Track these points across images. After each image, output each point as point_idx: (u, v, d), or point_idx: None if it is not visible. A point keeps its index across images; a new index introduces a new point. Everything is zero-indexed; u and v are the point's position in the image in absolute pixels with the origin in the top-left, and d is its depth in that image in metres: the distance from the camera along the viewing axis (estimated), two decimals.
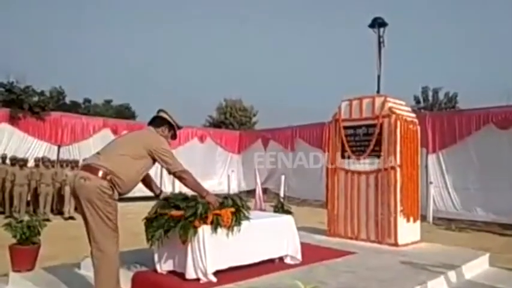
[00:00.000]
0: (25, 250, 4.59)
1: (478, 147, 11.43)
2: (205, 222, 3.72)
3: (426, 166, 12.13)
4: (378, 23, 7.10)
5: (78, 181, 3.34)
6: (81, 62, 52.48)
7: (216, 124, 28.31)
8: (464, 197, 11.73)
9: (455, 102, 24.98)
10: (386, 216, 5.98)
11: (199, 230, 3.67)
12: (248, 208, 4.17)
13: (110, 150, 3.53)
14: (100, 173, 3.32)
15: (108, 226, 3.33)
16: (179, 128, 3.89)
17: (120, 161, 3.42)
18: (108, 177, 3.34)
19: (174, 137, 3.88)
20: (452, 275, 4.59)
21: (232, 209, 3.92)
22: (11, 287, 4.40)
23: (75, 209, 11.81)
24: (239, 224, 3.94)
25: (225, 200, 3.98)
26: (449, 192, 12.15)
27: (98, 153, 3.56)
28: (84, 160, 12.27)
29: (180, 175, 3.60)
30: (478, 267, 5.25)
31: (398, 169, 5.97)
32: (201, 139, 18.49)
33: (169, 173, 3.57)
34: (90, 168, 3.37)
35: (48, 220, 9.48)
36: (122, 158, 3.44)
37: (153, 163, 3.63)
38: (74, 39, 52.89)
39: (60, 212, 11.60)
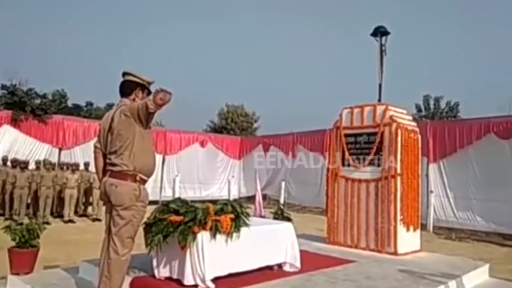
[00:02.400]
0: (24, 253, 4.58)
1: (479, 156, 11.40)
2: (204, 228, 3.72)
3: (427, 175, 12.11)
4: (380, 32, 7.12)
5: (108, 188, 3.37)
6: (83, 65, 52.71)
7: (218, 129, 28.35)
8: (464, 207, 11.68)
9: (457, 111, 24.94)
10: (386, 225, 5.97)
11: (198, 236, 3.68)
12: (247, 215, 4.16)
13: (119, 149, 3.38)
14: (128, 178, 3.35)
15: (129, 234, 3.36)
16: (150, 83, 3.62)
17: (133, 153, 3.37)
18: (138, 178, 3.38)
19: (150, 94, 3.49)
20: (452, 285, 4.57)
21: (231, 216, 3.93)
22: None
23: (75, 212, 11.87)
24: (238, 230, 3.94)
25: (225, 206, 3.98)
26: (449, 202, 12.10)
27: (111, 154, 3.43)
28: (86, 164, 12.26)
29: (152, 106, 3.18)
30: (477, 277, 5.23)
31: (398, 178, 5.97)
32: (202, 144, 18.51)
33: (148, 109, 3.20)
34: (118, 174, 3.37)
35: (47, 223, 9.47)
36: (131, 149, 3.36)
37: (146, 124, 3.40)
38: (76, 42, 53.11)
39: (60, 215, 11.58)
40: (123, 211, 3.33)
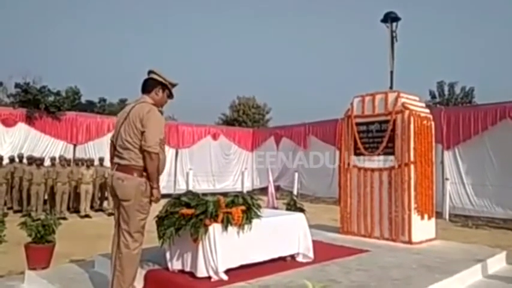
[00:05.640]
0: (40, 248, 4.65)
1: (495, 142, 11.21)
2: (215, 221, 3.72)
3: (442, 162, 11.96)
4: (390, 18, 6.98)
5: (115, 181, 3.39)
6: (96, 62, 53.14)
7: (230, 122, 28.38)
8: (481, 194, 11.51)
9: (472, 97, 24.54)
10: (400, 214, 5.90)
11: (210, 228, 3.68)
12: (259, 206, 4.15)
13: (128, 144, 3.40)
14: (135, 172, 3.36)
15: (137, 228, 3.38)
16: (173, 85, 3.68)
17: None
18: (145, 173, 3.39)
19: (170, 96, 3.70)
20: (468, 273, 4.51)
21: (242, 207, 3.92)
22: (26, 285, 4.48)
23: (91, 207, 12.04)
24: (250, 222, 3.93)
25: (236, 198, 3.98)
26: (465, 189, 11.94)
27: (121, 147, 3.45)
28: (100, 159, 12.39)
29: (148, 154, 3.32)
30: (495, 265, 5.15)
31: (412, 166, 5.88)
32: (214, 137, 18.55)
33: (140, 149, 3.34)
34: (125, 168, 3.39)
35: (64, 218, 9.64)
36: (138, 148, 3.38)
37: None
38: (89, 39, 53.50)
39: (76, 210, 11.77)
40: (130, 206, 3.34)
